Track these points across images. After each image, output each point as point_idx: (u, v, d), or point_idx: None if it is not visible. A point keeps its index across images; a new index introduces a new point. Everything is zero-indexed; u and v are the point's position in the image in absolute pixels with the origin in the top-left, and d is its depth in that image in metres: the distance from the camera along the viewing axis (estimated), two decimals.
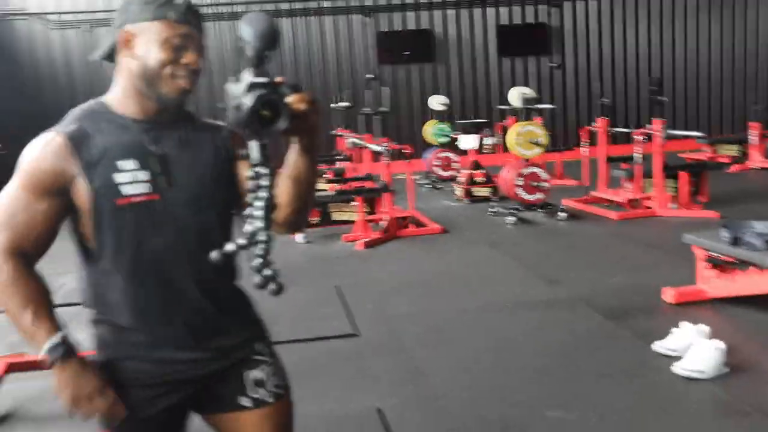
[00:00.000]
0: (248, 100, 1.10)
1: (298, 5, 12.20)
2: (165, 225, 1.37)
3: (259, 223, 1.16)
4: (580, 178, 8.71)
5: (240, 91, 1.12)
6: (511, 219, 6.70)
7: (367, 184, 7.14)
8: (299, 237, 6.26)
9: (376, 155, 7.70)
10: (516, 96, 7.65)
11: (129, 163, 1.34)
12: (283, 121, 1.14)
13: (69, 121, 1.37)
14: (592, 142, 8.39)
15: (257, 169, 1.16)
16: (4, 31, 11.52)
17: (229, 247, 1.19)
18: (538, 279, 4.75)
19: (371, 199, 6.54)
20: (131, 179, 1.33)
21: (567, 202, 7.30)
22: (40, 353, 1.31)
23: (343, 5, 12.34)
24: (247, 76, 1.13)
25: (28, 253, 1.34)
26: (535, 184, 6.87)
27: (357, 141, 8.09)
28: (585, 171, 8.52)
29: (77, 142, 1.33)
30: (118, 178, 1.33)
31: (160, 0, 1.33)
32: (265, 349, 1.54)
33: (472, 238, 6.22)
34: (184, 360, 1.43)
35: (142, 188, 1.34)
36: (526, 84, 12.38)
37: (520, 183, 6.86)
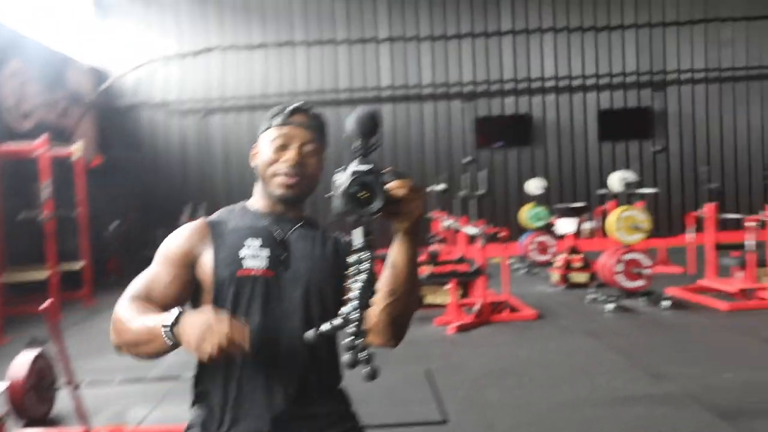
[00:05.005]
0: (346, 183, 1.17)
1: (399, 92, 12.67)
2: (276, 302, 1.48)
3: (356, 302, 1.18)
4: (684, 266, 8.28)
5: (343, 179, 1.19)
6: (610, 307, 6.43)
7: (461, 267, 7.09)
8: None
9: (471, 238, 7.68)
10: (617, 180, 7.49)
11: (254, 242, 1.50)
12: (378, 202, 1.18)
13: (213, 213, 1.61)
14: (699, 228, 8.02)
15: (359, 254, 1.20)
16: (131, 119, 12.63)
17: (324, 326, 1.21)
18: (641, 372, 4.48)
19: (465, 283, 6.47)
20: (253, 254, 1.48)
21: (671, 291, 6.94)
22: (164, 335, 1.29)
23: (443, 91, 12.70)
24: (352, 166, 1.20)
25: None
26: (637, 270, 6.60)
27: (452, 224, 8.11)
28: (691, 258, 8.11)
29: (214, 225, 1.54)
30: (242, 252, 1.48)
31: (273, 113, 1.56)
32: None
33: (568, 326, 6.00)
34: None
35: (261, 263, 1.48)
36: (627, 168, 12.12)
37: (621, 269, 6.61)
